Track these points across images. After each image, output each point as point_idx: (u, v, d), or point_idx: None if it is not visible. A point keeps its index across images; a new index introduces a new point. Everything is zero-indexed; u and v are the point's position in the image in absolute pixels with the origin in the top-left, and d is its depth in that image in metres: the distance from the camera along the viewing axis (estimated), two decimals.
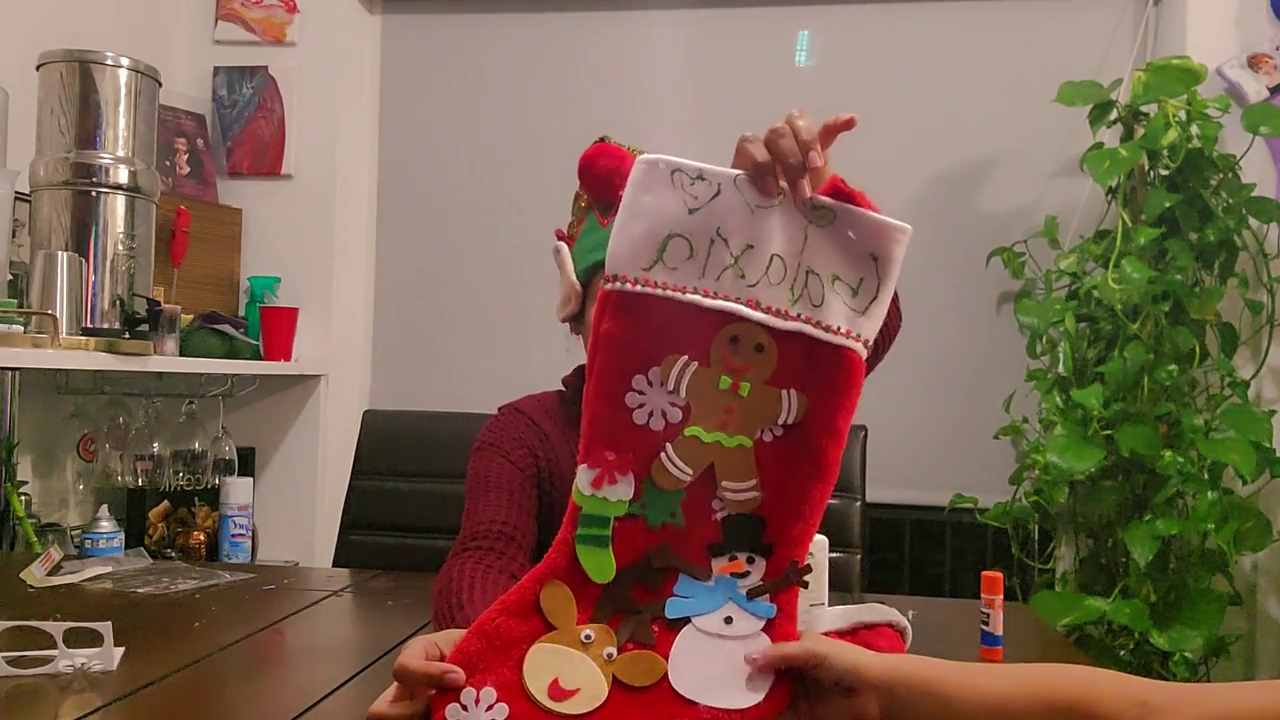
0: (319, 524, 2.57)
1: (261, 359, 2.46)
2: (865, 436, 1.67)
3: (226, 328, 2.33)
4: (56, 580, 1.32)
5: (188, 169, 2.55)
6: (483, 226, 2.72)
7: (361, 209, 2.76)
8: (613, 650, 0.71)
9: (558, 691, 0.70)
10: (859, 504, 1.62)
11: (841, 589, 1.46)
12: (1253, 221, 2.17)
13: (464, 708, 0.69)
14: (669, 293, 0.72)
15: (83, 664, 0.92)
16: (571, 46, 2.71)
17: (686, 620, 0.72)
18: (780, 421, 0.73)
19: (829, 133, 0.74)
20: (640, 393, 0.72)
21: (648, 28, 2.69)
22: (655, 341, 0.72)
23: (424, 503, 1.71)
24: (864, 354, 0.73)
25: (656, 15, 2.68)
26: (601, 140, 1.15)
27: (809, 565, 0.75)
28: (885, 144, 2.57)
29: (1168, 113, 2.12)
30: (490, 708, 0.69)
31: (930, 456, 2.51)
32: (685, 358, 0.72)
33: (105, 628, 0.93)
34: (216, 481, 2.38)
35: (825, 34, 2.63)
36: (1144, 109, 2.21)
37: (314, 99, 2.63)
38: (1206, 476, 2.06)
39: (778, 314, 0.72)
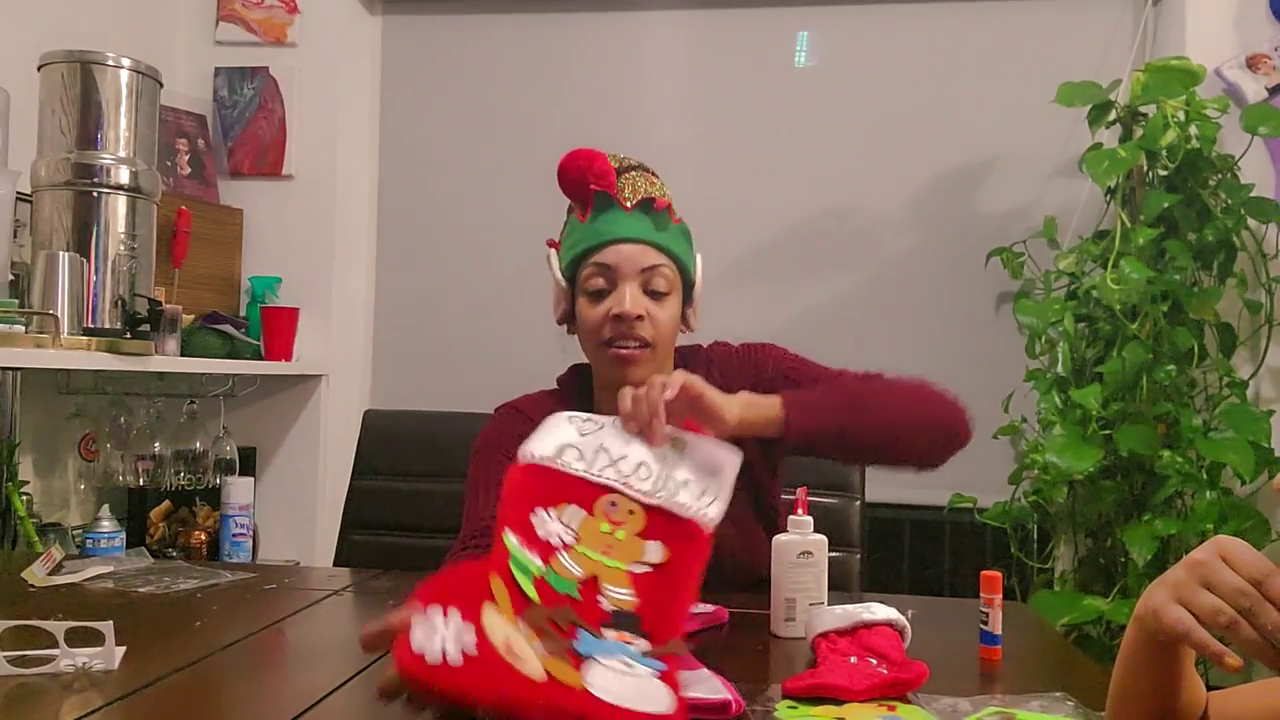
0: (320, 524, 2.58)
1: (262, 359, 2.46)
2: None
3: (227, 328, 2.34)
4: (58, 580, 1.32)
5: (189, 169, 2.56)
6: (483, 226, 2.72)
7: (361, 209, 2.77)
8: (542, 649, 0.78)
9: (510, 651, 0.76)
10: (858, 503, 1.62)
11: (841, 588, 1.46)
12: (1251, 222, 2.17)
13: (432, 623, 0.73)
14: (567, 469, 0.98)
15: (84, 663, 0.93)
16: (572, 47, 2.72)
17: (592, 657, 0.81)
18: (644, 562, 0.93)
19: (678, 402, 1.04)
20: (542, 520, 0.93)
21: (648, 28, 2.69)
22: (552, 493, 0.95)
23: (424, 502, 1.71)
24: (708, 528, 0.96)
25: (656, 15, 2.69)
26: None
27: (689, 634, 0.94)
28: (885, 144, 2.57)
29: (1166, 113, 2.13)
30: (460, 624, 0.75)
31: None
32: (575, 506, 0.95)
33: (107, 627, 0.93)
34: (217, 481, 2.38)
35: (825, 34, 2.63)
36: (1143, 109, 2.21)
37: (314, 99, 2.64)
38: (1205, 476, 2.06)
39: (646, 495, 0.98)
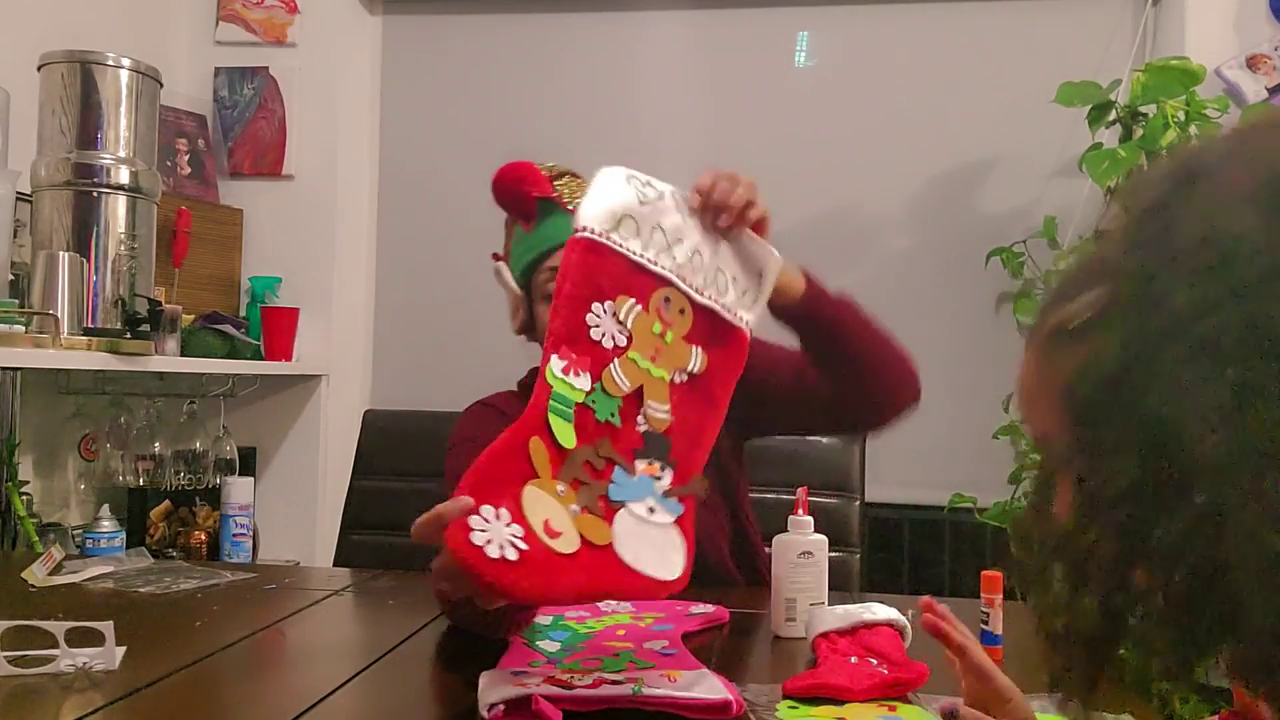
0: (320, 524, 2.57)
1: (262, 359, 2.46)
2: (864, 436, 1.67)
3: (227, 328, 2.34)
4: (58, 580, 1.32)
5: (189, 169, 2.55)
6: (483, 226, 2.69)
7: (361, 209, 2.76)
8: (576, 508, 0.83)
9: (549, 531, 0.79)
10: (858, 503, 1.62)
11: (841, 588, 1.46)
12: None
13: (485, 520, 0.76)
14: (624, 249, 0.92)
15: (85, 663, 0.93)
16: (572, 47, 2.72)
17: (622, 504, 0.86)
18: (687, 369, 0.93)
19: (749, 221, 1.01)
20: (598, 316, 0.90)
21: (648, 28, 2.69)
22: (610, 282, 0.91)
23: (424, 503, 1.68)
24: (748, 332, 0.97)
25: (656, 16, 2.69)
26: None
27: (707, 479, 0.92)
28: (885, 144, 2.57)
29: (1166, 113, 2.13)
30: (508, 525, 0.77)
31: (929, 456, 2.51)
32: (633, 300, 0.91)
33: (107, 627, 0.93)
34: (217, 481, 2.38)
35: (825, 34, 2.63)
36: (1143, 109, 2.21)
37: (315, 99, 2.63)
38: None
39: (697, 291, 0.95)
